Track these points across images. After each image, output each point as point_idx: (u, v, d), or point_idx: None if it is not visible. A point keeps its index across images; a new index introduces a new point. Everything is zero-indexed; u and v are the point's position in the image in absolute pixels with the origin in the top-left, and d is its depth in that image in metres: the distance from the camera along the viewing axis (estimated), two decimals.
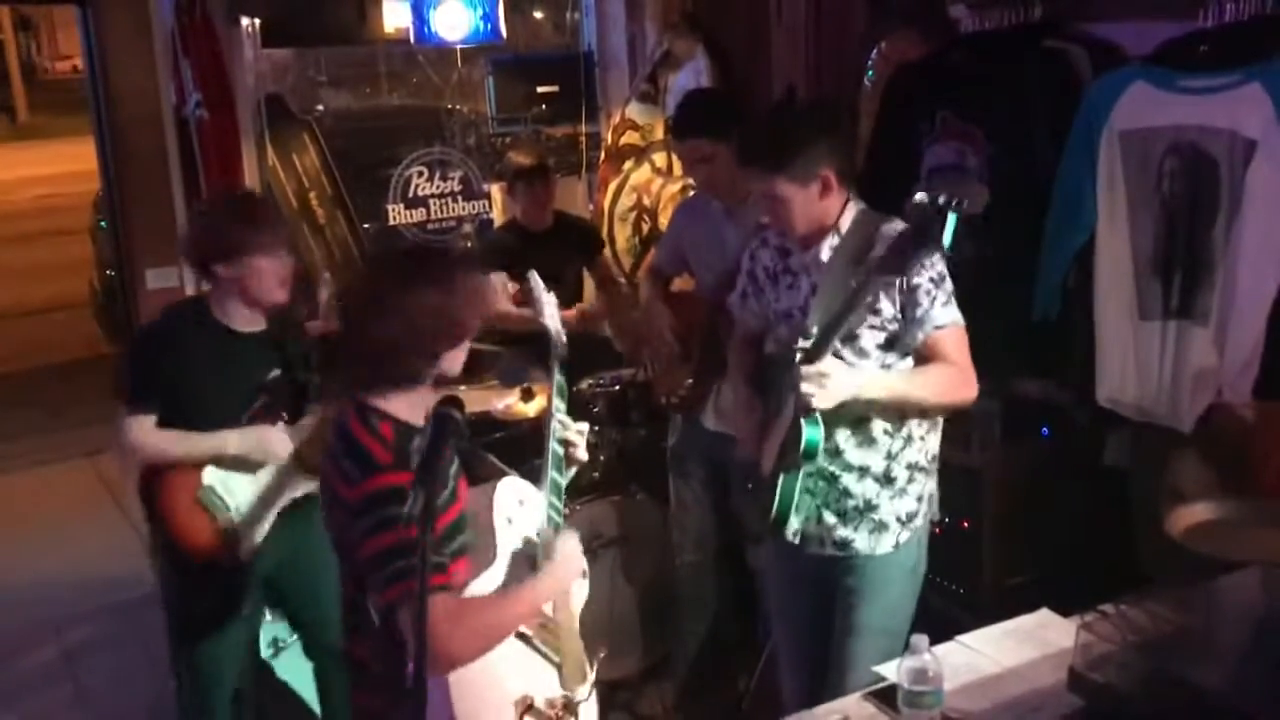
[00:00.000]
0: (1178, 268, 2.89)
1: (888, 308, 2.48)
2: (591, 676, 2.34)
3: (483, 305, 2.13)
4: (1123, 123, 2.95)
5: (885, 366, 2.53)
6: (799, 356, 2.44)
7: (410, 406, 2.09)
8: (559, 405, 2.48)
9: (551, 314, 2.68)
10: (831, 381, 2.36)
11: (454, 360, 2.12)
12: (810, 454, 2.46)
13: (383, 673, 2.04)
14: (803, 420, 2.43)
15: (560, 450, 2.44)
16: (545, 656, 2.25)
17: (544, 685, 2.23)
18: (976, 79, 3.40)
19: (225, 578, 3.00)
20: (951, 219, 2.12)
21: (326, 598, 3.12)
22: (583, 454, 2.52)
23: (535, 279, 2.73)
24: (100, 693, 4.10)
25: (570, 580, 2.27)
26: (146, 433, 2.88)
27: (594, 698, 2.34)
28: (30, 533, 5.29)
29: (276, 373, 2.98)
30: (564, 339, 2.61)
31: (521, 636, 2.21)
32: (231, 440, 2.89)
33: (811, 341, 2.43)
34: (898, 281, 2.44)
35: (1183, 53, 2.86)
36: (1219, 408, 2.84)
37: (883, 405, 2.51)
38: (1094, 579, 2.58)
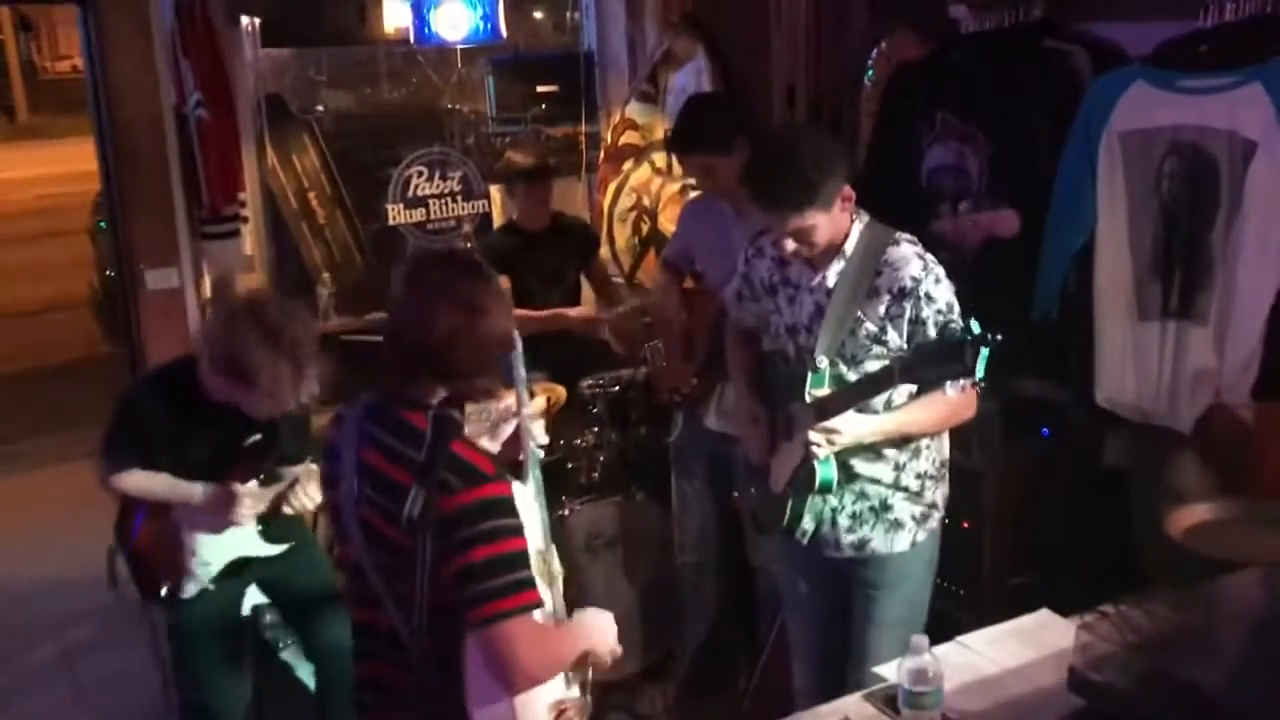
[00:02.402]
0: (1177, 268, 2.89)
1: (894, 338, 2.49)
2: (590, 674, 2.32)
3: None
4: (1123, 123, 2.95)
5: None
6: (809, 399, 2.48)
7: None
8: (523, 395, 2.44)
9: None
10: (840, 437, 2.45)
11: None
12: (825, 490, 2.53)
13: (412, 687, 2.02)
14: (815, 464, 2.48)
15: (540, 452, 2.43)
16: None
17: (562, 687, 2.22)
18: (976, 79, 3.40)
19: (200, 605, 3.08)
20: (984, 352, 2.10)
21: (322, 605, 3.19)
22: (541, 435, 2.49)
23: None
24: (100, 693, 4.09)
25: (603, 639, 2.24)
26: (124, 476, 2.99)
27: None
28: (30, 533, 5.29)
29: (257, 437, 3.02)
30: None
31: None
32: (197, 493, 2.98)
33: (825, 394, 2.48)
34: (907, 312, 2.46)
35: (1183, 53, 2.86)
36: (1218, 408, 2.84)
37: (883, 442, 2.57)
38: (1094, 579, 2.58)
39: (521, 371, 2.47)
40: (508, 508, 1.92)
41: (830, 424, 2.44)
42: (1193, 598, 2.11)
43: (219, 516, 2.98)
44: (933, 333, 2.45)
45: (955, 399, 2.52)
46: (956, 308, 2.49)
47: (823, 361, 2.50)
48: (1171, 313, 2.91)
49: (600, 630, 2.19)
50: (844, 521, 2.63)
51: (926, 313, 2.45)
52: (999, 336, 2.11)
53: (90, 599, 4.44)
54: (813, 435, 2.44)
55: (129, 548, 3.11)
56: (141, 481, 2.99)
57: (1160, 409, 2.96)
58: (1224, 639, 2.09)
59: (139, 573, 3.11)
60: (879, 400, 2.55)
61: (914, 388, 2.56)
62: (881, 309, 2.49)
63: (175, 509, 3.01)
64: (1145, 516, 2.94)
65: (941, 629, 2.30)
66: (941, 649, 2.20)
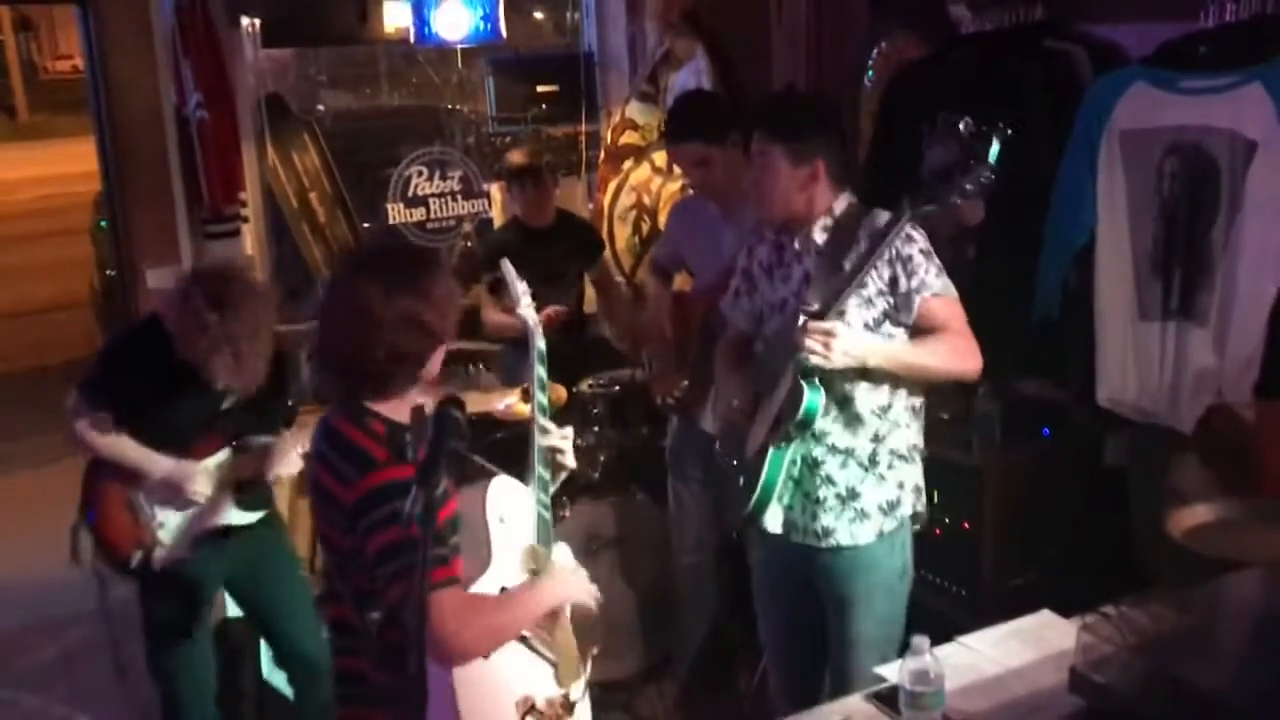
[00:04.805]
0: (1178, 268, 2.89)
1: (873, 281, 2.47)
2: (586, 673, 2.34)
3: (456, 307, 2.12)
4: (1123, 123, 2.95)
5: None
6: (802, 320, 2.42)
7: (395, 408, 2.08)
8: (540, 400, 2.46)
9: (527, 304, 2.66)
10: (838, 342, 2.36)
11: (436, 363, 2.13)
12: (809, 420, 2.45)
13: (387, 684, 2.04)
14: (804, 383, 2.42)
15: (545, 444, 2.43)
16: (541, 655, 2.25)
17: (541, 684, 2.24)
18: (977, 79, 3.40)
19: (170, 585, 3.06)
20: (996, 143, 2.09)
21: (294, 611, 3.19)
22: (570, 461, 2.48)
23: (507, 267, 2.70)
24: (100, 693, 4.09)
25: (573, 591, 2.28)
26: (93, 422, 2.94)
27: (587, 695, 2.35)
28: (30, 533, 5.28)
29: (234, 401, 3.01)
30: (540, 330, 2.59)
31: (519, 637, 2.21)
32: (160, 465, 2.96)
33: (820, 302, 2.42)
34: (886, 253, 2.44)
35: (1183, 53, 2.86)
36: (1219, 408, 2.83)
37: (888, 374, 2.51)
38: (1094, 579, 2.58)
39: (540, 371, 2.47)
40: (400, 491, 1.91)
41: (826, 325, 2.35)
42: (1193, 598, 2.11)
43: (174, 494, 2.97)
44: (919, 271, 2.45)
45: (958, 342, 2.50)
46: (934, 254, 2.50)
47: (817, 303, 2.45)
48: (1172, 312, 2.91)
49: (564, 586, 2.23)
50: (811, 508, 2.61)
51: (909, 250, 2.46)
52: (1009, 129, 2.09)
53: (90, 599, 4.44)
54: (809, 343, 2.35)
55: (93, 519, 3.06)
56: (109, 440, 2.95)
57: (1161, 408, 2.96)
58: (1225, 639, 2.08)
59: (104, 545, 3.06)
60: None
61: (904, 335, 2.54)
62: (860, 250, 2.47)
63: (141, 480, 2.99)
64: (1146, 516, 2.93)
65: (942, 629, 2.29)
66: (942, 649, 2.20)
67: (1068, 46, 3.22)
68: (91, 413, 2.93)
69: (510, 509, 2.27)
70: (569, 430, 2.47)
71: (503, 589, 2.19)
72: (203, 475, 2.99)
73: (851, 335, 2.41)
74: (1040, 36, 3.27)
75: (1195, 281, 2.85)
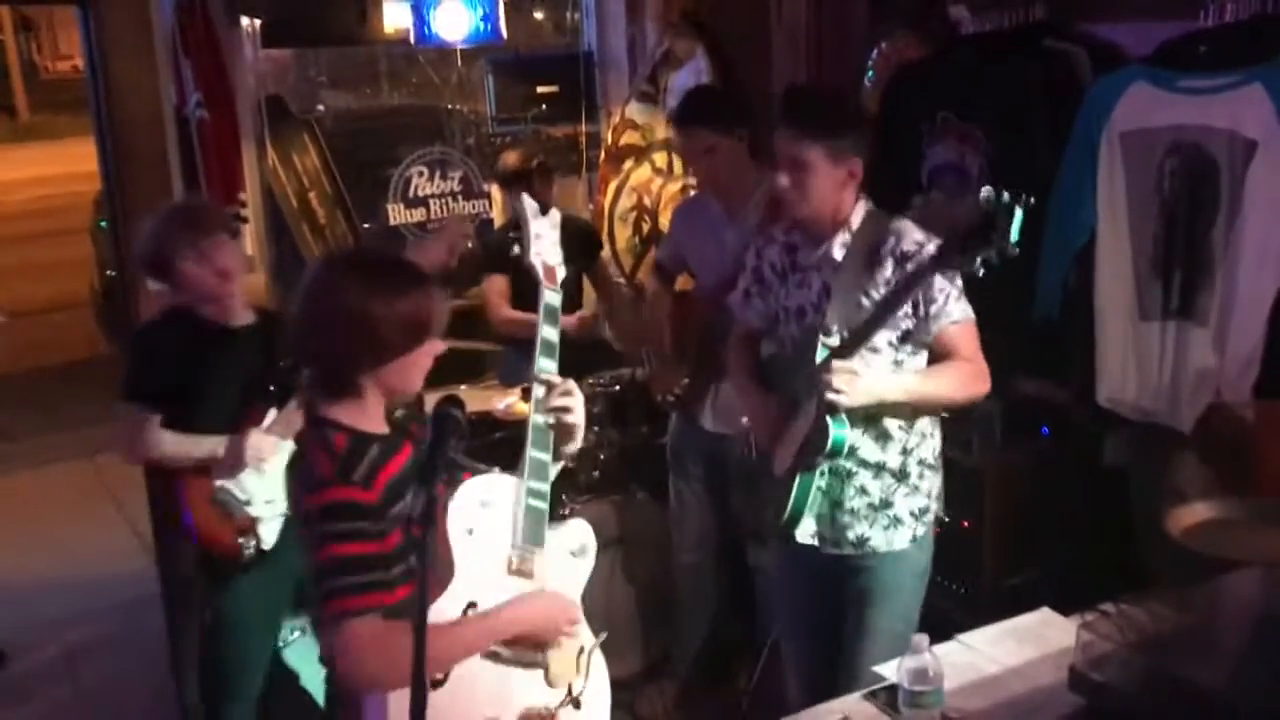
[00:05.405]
0: (1178, 268, 2.89)
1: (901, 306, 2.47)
2: (586, 667, 2.19)
3: (421, 324, 2.00)
4: (1123, 123, 2.95)
5: (897, 362, 2.54)
6: (822, 354, 2.43)
7: (361, 416, 2.01)
8: (545, 365, 2.17)
9: (539, 250, 2.28)
10: (861, 383, 2.38)
11: (402, 376, 2.03)
12: (836, 453, 2.47)
13: None
14: (829, 419, 2.43)
15: (542, 422, 2.14)
16: (524, 665, 2.09)
17: (525, 695, 2.08)
18: (977, 79, 3.40)
19: (264, 574, 3.02)
20: (1019, 214, 2.07)
21: None
22: (579, 418, 2.16)
23: (528, 201, 2.34)
24: (100, 693, 4.09)
25: (537, 618, 2.08)
26: (151, 431, 2.92)
27: (595, 684, 2.20)
28: (30, 533, 5.29)
29: (256, 358, 3.00)
30: (560, 274, 2.28)
31: (490, 654, 2.04)
32: (219, 443, 2.94)
33: (840, 340, 2.43)
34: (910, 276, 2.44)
35: (1183, 53, 2.86)
36: (1219, 408, 2.84)
37: (902, 405, 2.53)
38: (1094, 579, 2.58)
39: (548, 331, 2.22)
40: (342, 512, 1.90)
41: (850, 365, 2.37)
42: (1193, 597, 2.11)
43: (238, 464, 2.95)
44: (939, 298, 2.45)
45: (970, 370, 2.52)
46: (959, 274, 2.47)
47: (834, 329, 2.46)
48: (1172, 312, 2.91)
49: (528, 615, 2.06)
50: (844, 519, 2.62)
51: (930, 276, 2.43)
52: (1032, 199, 2.08)
53: (90, 599, 4.45)
54: (836, 382, 2.35)
55: (195, 536, 3.00)
56: (167, 440, 2.92)
57: (1161, 408, 2.96)
58: (1224, 638, 2.08)
59: (212, 549, 2.99)
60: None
61: (924, 356, 2.55)
62: (887, 274, 2.49)
63: (212, 471, 2.95)
64: (1145, 515, 2.94)
65: (941, 628, 2.30)
66: (942, 648, 2.20)
67: (1068, 46, 3.22)
68: (143, 414, 2.91)
69: (481, 516, 2.07)
70: (572, 383, 2.16)
71: (470, 605, 2.03)
72: (262, 438, 2.96)
73: (873, 375, 2.43)
74: (1040, 36, 3.27)
75: (1195, 281, 2.85)
